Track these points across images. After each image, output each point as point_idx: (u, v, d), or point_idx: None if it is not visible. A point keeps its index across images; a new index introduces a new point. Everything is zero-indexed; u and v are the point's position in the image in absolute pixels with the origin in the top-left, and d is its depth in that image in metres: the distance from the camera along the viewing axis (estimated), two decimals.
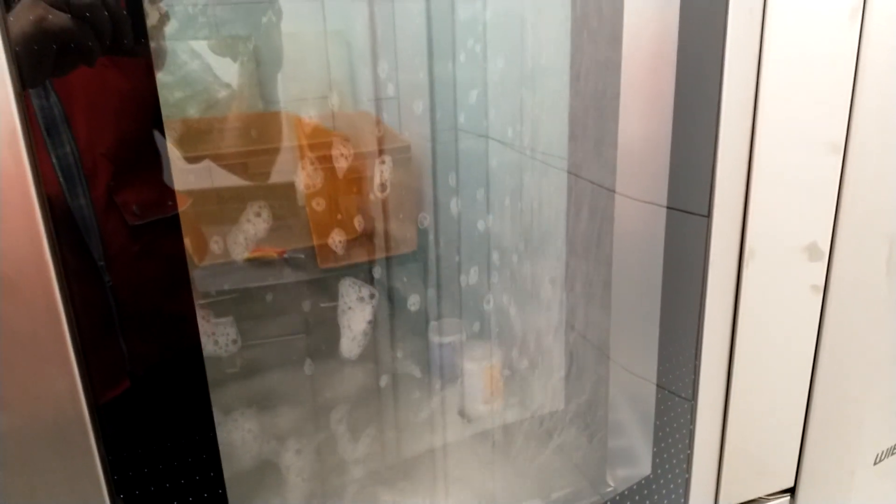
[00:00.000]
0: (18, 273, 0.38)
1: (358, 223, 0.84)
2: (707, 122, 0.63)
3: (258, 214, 0.74)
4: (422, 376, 0.89)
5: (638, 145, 0.71)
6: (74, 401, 0.41)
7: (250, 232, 0.73)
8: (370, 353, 0.84)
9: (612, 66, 0.69)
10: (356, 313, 0.81)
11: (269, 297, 0.81)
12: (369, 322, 0.81)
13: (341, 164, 0.82)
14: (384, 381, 0.85)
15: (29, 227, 0.39)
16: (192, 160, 0.76)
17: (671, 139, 0.65)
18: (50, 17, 0.49)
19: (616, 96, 0.70)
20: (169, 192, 0.72)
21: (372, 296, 0.82)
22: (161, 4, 0.62)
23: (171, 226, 0.72)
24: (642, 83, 0.67)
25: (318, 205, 0.82)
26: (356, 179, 0.85)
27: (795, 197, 0.68)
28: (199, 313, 0.68)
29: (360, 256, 0.86)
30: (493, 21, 0.86)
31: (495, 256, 0.92)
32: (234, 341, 0.72)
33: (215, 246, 0.72)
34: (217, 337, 0.71)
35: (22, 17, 0.47)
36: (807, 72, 0.64)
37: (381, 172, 0.85)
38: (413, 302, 0.87)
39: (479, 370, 0.91)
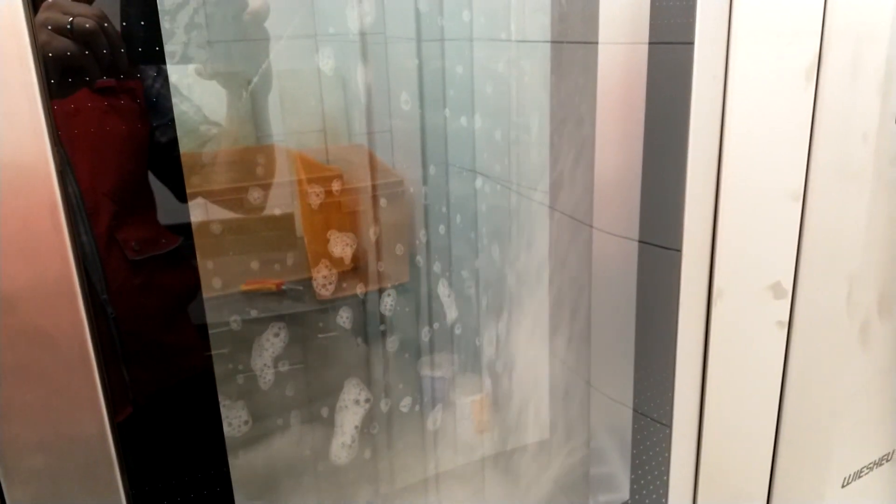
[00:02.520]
0: (55, 327, 0.43)
1: (353, 255, 0.88)
2: (675, 173, 0.68)
3: (277, 335, 0.78)
4: (412, 409, 0.93)
5: (613, 189, 0.76)
6: (103, 441, 0.45)
7: (268, 350, 0.78)
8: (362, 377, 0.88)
9: (587, 115, 0.75)
10: (349, 414, 0.85)
11: (267, 328, 0.84)
12: (356, 427, 0.86)
13: (337, 198, 0.86)
14: (377, 408, 0.89)
15: (65, 281, 0.44)
16: (186, 198, 0.79)
17: (640, 194, 0.71)
18: (53, 42, 0.52)
19: (591, 146, 0.75)
20: (164, 230, 0.76)
21: (367, 400, 0.87)
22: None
23: (168, 260, 0.76)
24: (615, 136, 0.72)
25: (316, 237, 0.87)
26: (351, 213, 0.90)
27: (760, 240, 0.73)
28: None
29: (354, 288, 0.90)
30: (482, 68, 0.91)
31: (484, 288, 0.96)
32: (246, 422, 0.76)
33: (233, 323, 0.76)
34: (231, 420, 0.75)
35: None
36: (767, 127, 0.69)
37: (374, 205, 0.90)
38: (407, 334, 0.91)
39: (468, 403, 0.95)
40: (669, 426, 0.78)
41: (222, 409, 0.72)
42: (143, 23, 0.57)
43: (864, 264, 0.79)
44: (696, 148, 0.67)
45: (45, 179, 0.41)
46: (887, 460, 0.96)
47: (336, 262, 0.86)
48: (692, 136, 0.66)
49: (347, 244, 0.86)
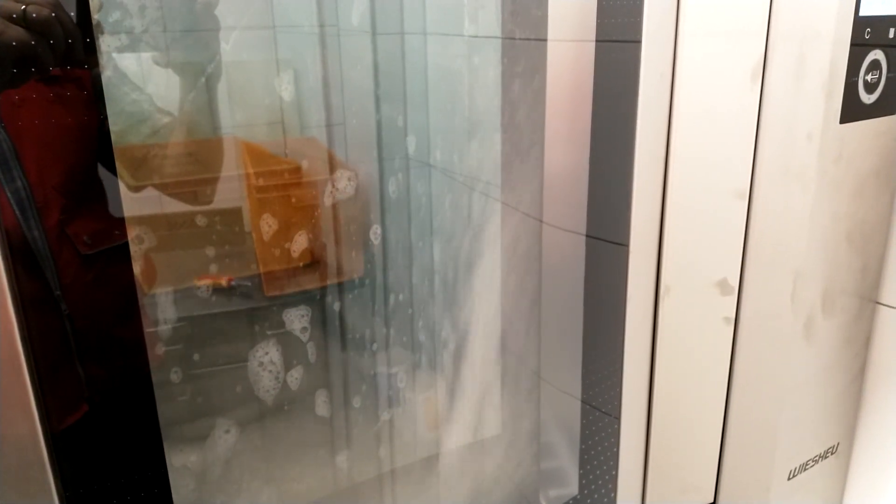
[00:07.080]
0: None
1: (303, 250, 0.87)
2: (622, 169, 0.69)
3: (227, 432, 0.78)
4: (366, 406, 0.92)
5: (562, 184, 0.77)
6: (34, 440, 0.44)
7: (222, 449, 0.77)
8: (316, 382, 0.88)
9: (537, 112, 0.75)
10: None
11: (216, 324, 0.83)
12: None
13: (288, 192, 0.85)
14: (329, 409, 0.89)
15: None
16: (136, 189, 0.78)
17: (588, 190, 0.71)
18: (8, 31, 0.52)
19: (541, 141, 0.76)
20: (117, 223, 0.75)
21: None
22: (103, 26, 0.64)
23: (121, 254, 0.75)
24: (564, 132, 0.73)
25: (264, 232, 0.85)
26: (302, 207, 0.89)
27: (706, 237, 0.75)
28: (150, 346, 0.71)
29: (305, 284, 0.89)
30: (436, 63, 0.91)
31: (437, 284, 0.96)
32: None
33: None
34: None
35: None
36: (713, 126, 0.70)
37: (326, 200, 0.89)
38: (358, 331, 0.91)
39: (422, 399, 0.95)
40: (618, 418, 0.79)
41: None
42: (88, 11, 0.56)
43: (807, 262, 0.80)
44: (643, 145, 0.67)
45: None
46: (832, 453, 0.98)
47: (285, 257, 0.85)
48: (639, 134, 0.67)
49: (297, 239, 0.85)
